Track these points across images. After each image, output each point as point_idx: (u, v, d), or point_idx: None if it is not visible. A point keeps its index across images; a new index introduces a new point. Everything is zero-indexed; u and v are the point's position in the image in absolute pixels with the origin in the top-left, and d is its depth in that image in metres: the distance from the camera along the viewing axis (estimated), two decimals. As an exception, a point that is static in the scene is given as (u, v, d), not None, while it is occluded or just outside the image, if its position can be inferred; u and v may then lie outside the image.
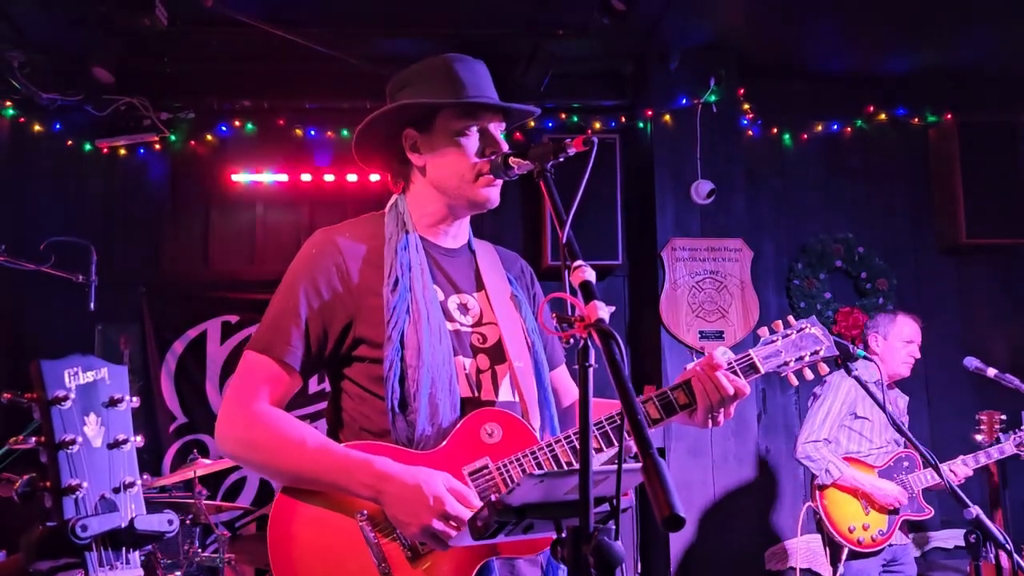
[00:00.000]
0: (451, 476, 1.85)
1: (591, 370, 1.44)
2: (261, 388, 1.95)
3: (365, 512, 1.87)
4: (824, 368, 2.14)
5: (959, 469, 4.31)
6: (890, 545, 4.34)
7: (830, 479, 4.31)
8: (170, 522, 1.23)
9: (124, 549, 1.21)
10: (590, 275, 1.56)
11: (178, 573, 4.23)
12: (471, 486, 1.90)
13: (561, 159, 1.84)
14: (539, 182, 1.82)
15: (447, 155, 2.02)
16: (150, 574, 3.94)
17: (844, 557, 4.25)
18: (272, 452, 1.90)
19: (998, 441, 4.36)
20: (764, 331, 2.14)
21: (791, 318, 2.18)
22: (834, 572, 4.29)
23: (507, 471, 1.92)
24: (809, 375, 2.13)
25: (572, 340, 1.48)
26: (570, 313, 1.52)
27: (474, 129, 2.02)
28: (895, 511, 4.32)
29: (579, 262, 1.58)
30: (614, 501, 1.50)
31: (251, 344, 1.99)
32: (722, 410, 1.98)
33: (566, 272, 1.59)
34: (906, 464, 4.42)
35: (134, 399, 1.26)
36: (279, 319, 1.97)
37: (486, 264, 2.17)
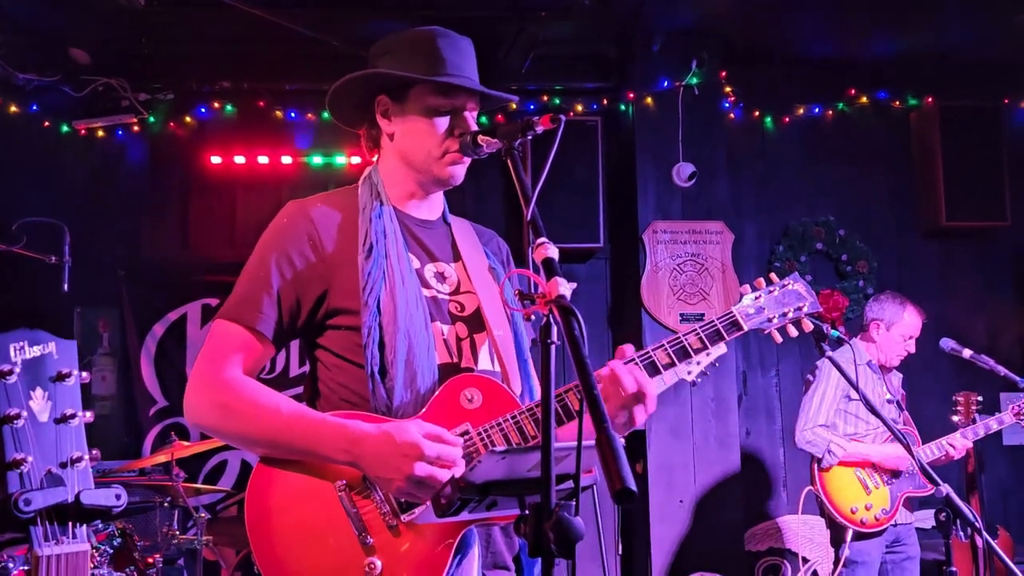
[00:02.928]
0: (423, 421, 1.83)
1: (554, 347, 1.44)
2: (232, 356, 1.93)
3: (344, 482, 1.85)
4: (808, 325, 2.08)
5: (958, 442, 4.31)
6: (894, 525, 4.34)
7: (835, 459, 4.29)
8: (118, 497, 1.22)
9: (71, 524, 1.20)
10: (553, 252, 1.56)
11: (157, 556, 4.22)
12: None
13: (529, 137, 1.85)
14: (506, 160, 1.82)
15: (417, 129, 2.02)
16: (127, 557, 3.94)
17: (849, 538, 4.25)
18: (245, 419, 1.88)
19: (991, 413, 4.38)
20: (746, 288, 2.09)
21: (773, 275, 2.13)
22: (837, 554, 4.30)
23: (488, 436, 1.90)
24: (793, 332, 2.08)
25: (533, 317, 1.47)
26: (532, 290, 1.51)
27: (447, 108, 2.01)
28: (904, 473, 4.32)
29: (542, 239, 1.58)
30: (579, 479, 1.49)
31: (221, 313, 1.97)
32: (637, 409, 1.88)
33: (530, 249, 1.59)
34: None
35: (83, 374, 1.25)
36: (250, 289, 1.96)
37: (462, 237, 2.17)
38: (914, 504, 4.53)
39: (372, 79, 2.04)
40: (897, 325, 4.47)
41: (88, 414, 1.24)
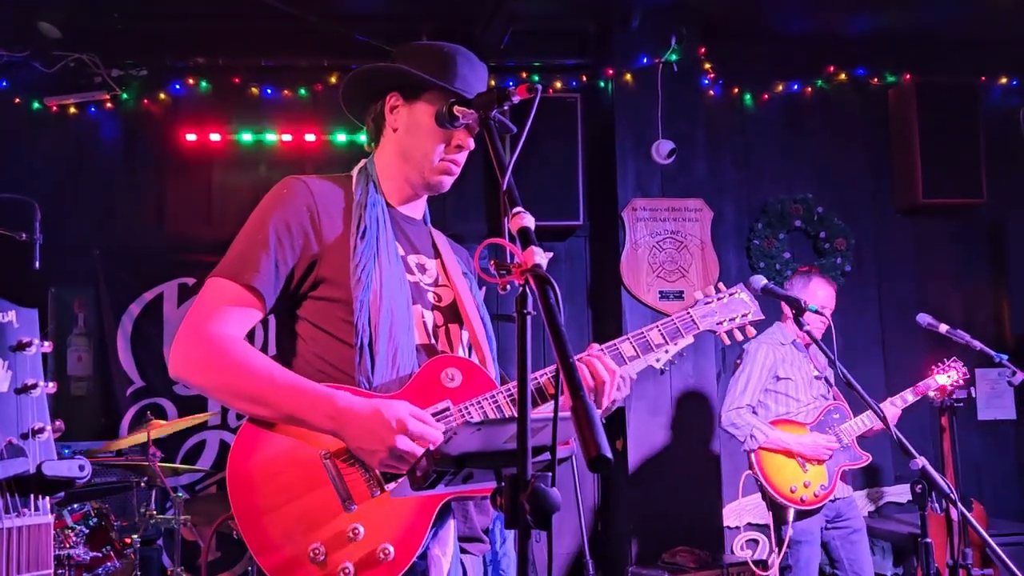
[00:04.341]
0: (408, 402, 1.86)
1: (529, 318, 1.43)
2: (225, 312, 1.92)
3: (329, 450, 1.86)
4: (751, 331, 2.30)
5: (888, 410, 4.37)
6: (833, 500, 4.39)
7: (756, 444, 4.35)
8: (81, 468, 1.19)
9: (32, 496, 1.17)
10: (529, 222, 1.55)
11: (134, 536, 4.19)
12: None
13: (505, 107, 1.87)
14: (482, 131, 1.83)
15: (420, 130, 2.09)
16: (104, 537, 3.91)
17: (791, 518, 4.29)
18: (234, 375, 1.87)
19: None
20: (699, 294, 2.31)
21: (721, 285, 2.34)
22: (779, 534, 4.34)
23: (468, 413, 1.95)
24: (739, 336, 2.30)
25: (509, 287, 1.46)
26: (508, 260, 1.50)
27: None
28: (830, 458, 4.37)
29: (518, 208, 1.57)
30: (556, 450, 1.48)
31: (216, 271, 1.97)
32: (606, 391, 2.04)
33: (506, 219, 1.58)
34: (836, 416, 4.45)
35: (45, 343, 1.22)
36: (248, 248, 1.96)
37: (440, 241, 2.26)
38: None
39: (390, 74, 2.11)
40: (805, 296, 4.46)
41: (51, 384, 1.21)
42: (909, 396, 4.47)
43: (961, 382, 4.48)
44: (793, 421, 4.44)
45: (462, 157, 2.12)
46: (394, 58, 2.15)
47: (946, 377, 4.48)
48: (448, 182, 2.14)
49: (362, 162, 2.18)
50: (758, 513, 5.53)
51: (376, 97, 2.16)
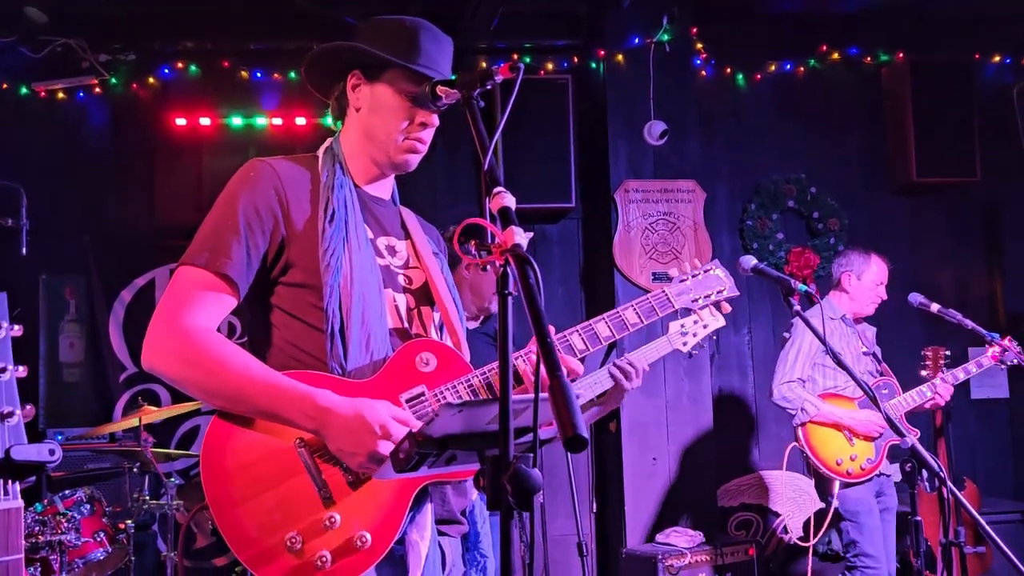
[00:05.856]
0: (391, 404, 1.85)
1: (510, 298, 1.42)
2: (199, 302, 1.87)
3: (303, 439, 1.84)
4: (727, 307, 2.31)
5: (942, 388, 4.38)
6: (878, 475, 4.40)
7: (807, 417, 4.35)
8: (51, 452, 1.18)
9: (1, 481, 1.16)
10: (509, 201, 1.54)
11: (128, 522, 4.19)
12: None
13: (488, 87, 1.84)
14: (465, 110, 1.80)
15: (383, 110, 2.04)
16: (96, 522, 3.91)
17: (836, 490, 4.30)
18: (210, 371, 1.83)
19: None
20: (674, 271, 2.32)
21: (696, 261, 2.35)
22: (827, 506, 4.34)
23: (443, 398, 1.94)
24: (716, 312, 2.34)
25: (489, 266, 1.45)
26: (488, 240, 1.49)
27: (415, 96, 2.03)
28: (880, 436, 4.36)
29: (499, 188, 1.55)
30: (538, 432, 1.48)
31: (185, 259, 1.91)
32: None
33: (487, 199, 1.57)
34: (884, 392, 4.42)
35: (15, 327, 1.21)
36: (217, 233, 1.91)
37: (410, 220, 2.23)
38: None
39: (349, 53, 2.05)
40: (867, 272, 4.59)
41: (20, 368, 1.19)
42: (961, 374, 4.46)
43: (1017, 348, 4.45)
44: (842, 395, 4.45)
45: (427, 135, 2.07)
46: (355, 34, 2.09)
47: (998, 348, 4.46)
48: (415, 160, 2.10)
49: (328, 141, 2.13)
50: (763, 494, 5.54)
51: (338, 76, 2.10)
